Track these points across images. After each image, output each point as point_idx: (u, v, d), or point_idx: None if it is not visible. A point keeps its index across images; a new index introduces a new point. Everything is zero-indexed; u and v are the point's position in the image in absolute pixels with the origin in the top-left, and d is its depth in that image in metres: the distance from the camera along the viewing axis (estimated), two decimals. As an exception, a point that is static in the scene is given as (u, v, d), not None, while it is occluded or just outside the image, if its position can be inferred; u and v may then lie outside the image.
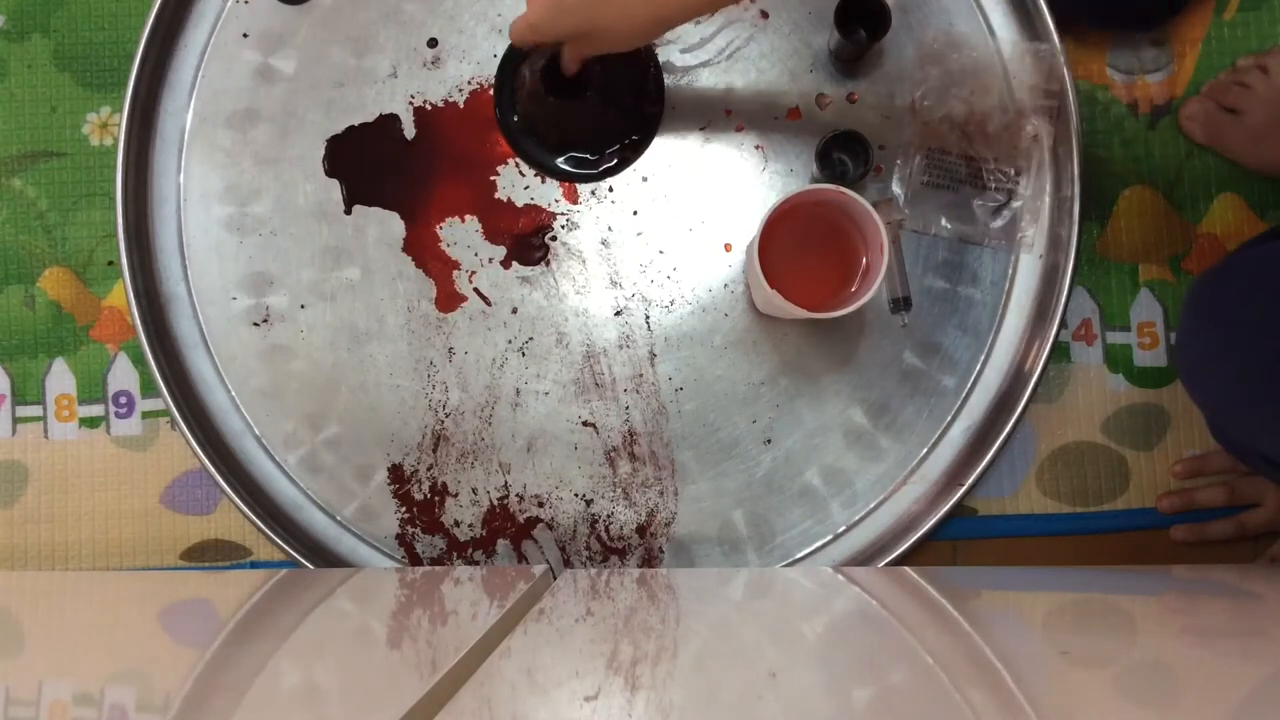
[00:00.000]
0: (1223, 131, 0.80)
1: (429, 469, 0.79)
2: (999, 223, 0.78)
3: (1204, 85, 0.82)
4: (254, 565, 0.82)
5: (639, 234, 0.79)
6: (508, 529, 0.79)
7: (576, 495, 0.79)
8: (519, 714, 0.45)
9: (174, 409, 0.78)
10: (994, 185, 0.78)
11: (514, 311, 0.79)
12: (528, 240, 0.80)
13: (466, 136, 0.80)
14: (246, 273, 0.80)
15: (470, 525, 0.79)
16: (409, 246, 0.80)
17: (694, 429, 0.78)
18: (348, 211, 0.80)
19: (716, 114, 0.80)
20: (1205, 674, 0.47)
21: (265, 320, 0.80)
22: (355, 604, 0.65)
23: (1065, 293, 0.76)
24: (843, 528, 0.78)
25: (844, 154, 0.78)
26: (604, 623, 0.57)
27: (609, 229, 0.79)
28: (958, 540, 0.80)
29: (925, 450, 0.78)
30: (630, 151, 0.79)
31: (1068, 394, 0.81)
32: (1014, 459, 0.81)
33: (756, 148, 0.79)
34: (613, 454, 0.79)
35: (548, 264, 0.79)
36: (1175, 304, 0.81)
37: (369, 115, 0.80)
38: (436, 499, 0.79)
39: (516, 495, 0.79)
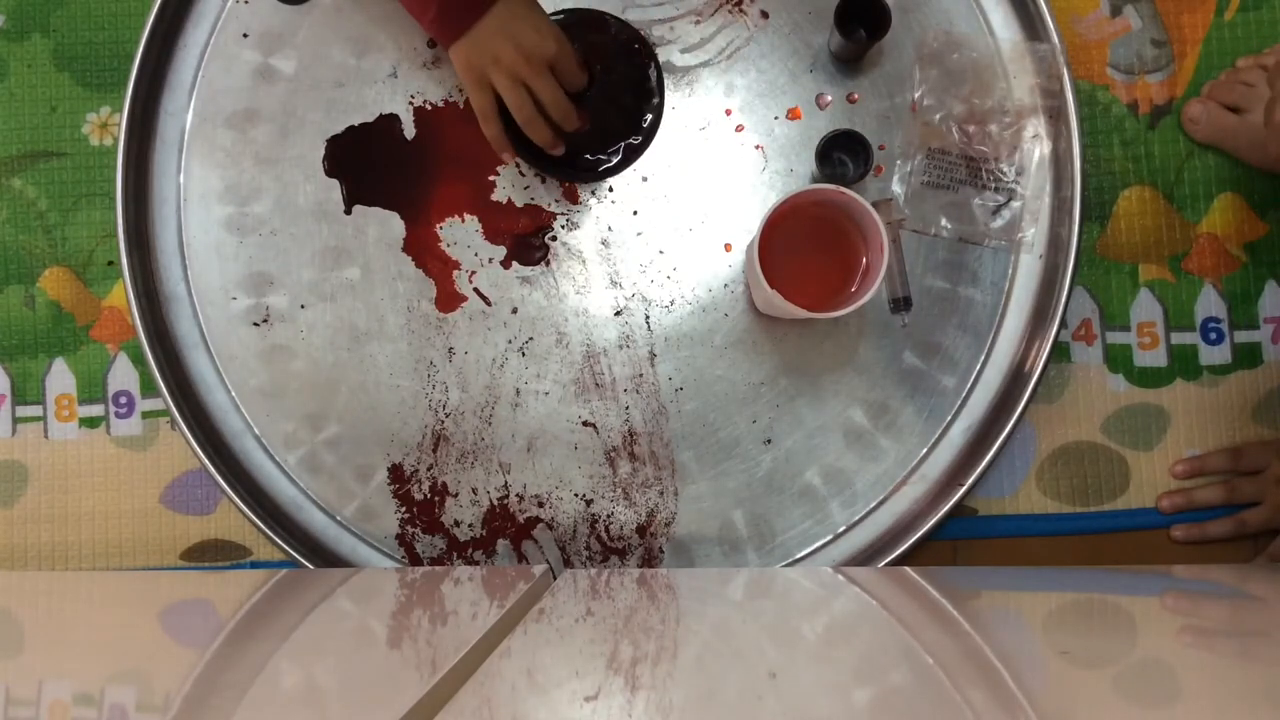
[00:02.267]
0: (1227, 130, 0.80)
1: (429, 469, 0.79)
2: (999, 223, 0.78)
3: (1204, 86, 0.82)
4: (254, 565, 0.82)
5: (639, 234, 0.79)
6: (508, 529, 0.79)
7: (576, 495, 0.79)
8: (519, 714, 0.45)
9: (174, 409, 0.78)
10: (994, 185, 0.78)
11: (514, 311, 0.79)
12: (528, 240, 0.80)
13: (466, 136, 0.80)
14: (246, 273, 0.80)
15: (470, 525, 0.79)
16: (409, 246, 0.80)
17: (694, 429, 0.78)
18: (348, 211, 0.80)
19: (716, 114, 0.80)
20: (1205, 674, 0.47)
21: (265, 320, 0.80)
22: (355, 604, 0.65)
23: (1065, 293, 0.76)
24: (843, 528, 0.78)
25: (844, 154, 0.78)
26: (604, 623, 0.57)
27: (609, 229, 0.79)
28: (958, 540, 0.80)
29: (925, 450, 0.78)
30: (630, 151, 0.79)
31: (1068, 394, 0.81)
32: (1014, 459, 0.81)
33: (756, 148, 0.79)
34: (613, 454, 0.79)
35: (548, 264, 0.79)
36: (1175, 304, 0.81)
37: (369, 115, 0.80)
38: (436, 499, 0.79)
39: (516, 495, 0.79)
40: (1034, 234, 0.78)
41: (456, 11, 0.67)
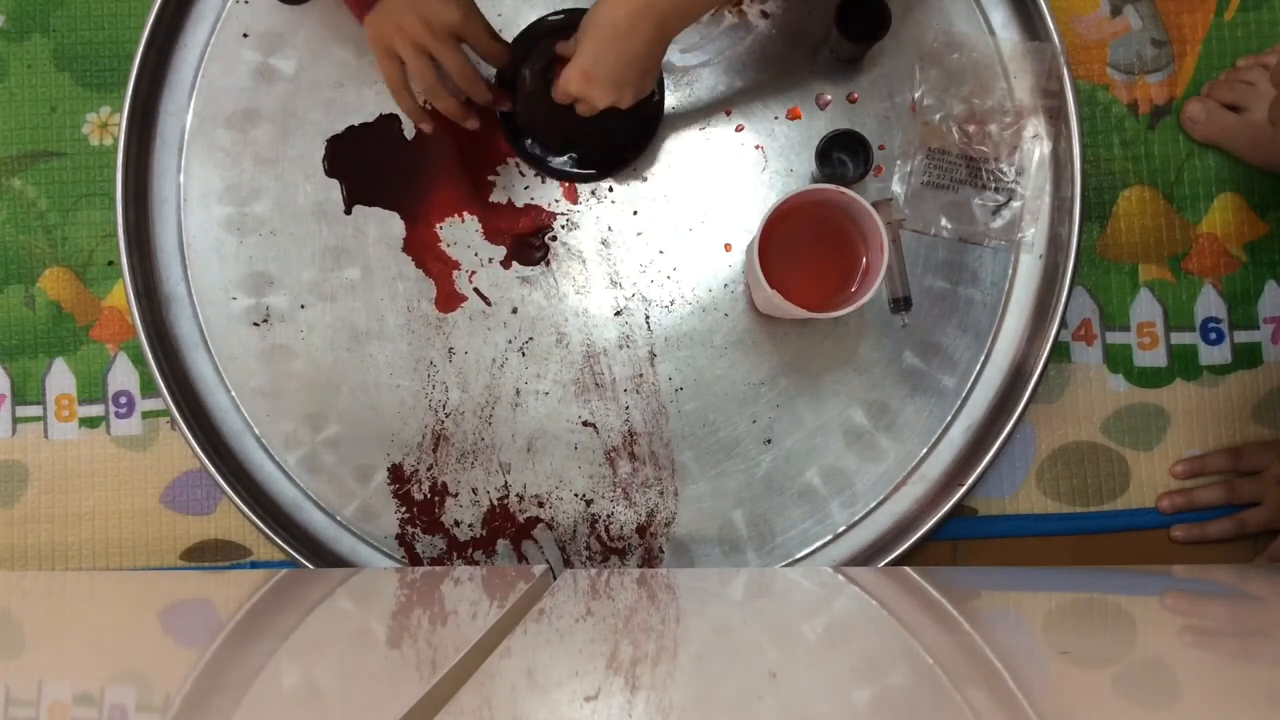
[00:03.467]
0: (1227, 129, 0.80)
1: (429, 469, 0.79)
2: (999, 223, 0.78)
3: (1204, 85, 0.82)
4: (254, 565, 0.82)
5: (639, 234, 0.79)
6: (508, 529, 0.79)
7: (576, 495, 0.79)
8: (519, 714, 0.45)
9: (174, 409, 0.78)
10: (994, 185, 0.78)
11: (514, 311, 0.79)
12: (528, 240, 0.80)
13: (466, 136, 0.80)
14: (246, 273, 0.80)
15: (470, 525, 0.79)
16: (409, 246, 0.80)
17: (694, 429, 0.78)
18: (348, 211, 0.80)
19: (716, 114, 0.80)
20: (1205, 674, 0.47)
21: (265, 320, 0.80)
22: (355, 604, 0.65)
23: (1065, 293, 0.76)
24: (843, 528, 0.78)
25: (844, 154, 0.78)
26: (604, 623, 0.57)
27: (609, 229, 0.79)
28: (958, 540, 0.80)
29: (925, 450, 0.78)
30: (630, 151, 0.79)
31: (1068, 394, 0.81)
32: (1014, 459, 0.81)
33: (756, 148, 0.79)
34: (613, 454, 0.79)
35: (548, 264, 0.79)
36: (1175, 304, 0.81)
37: (369, 115, 0.80)
38: (436, 499, 0.79)
39: (516, 495, 0.79)
40: (1034, 234, 0.78)
41: None
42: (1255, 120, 0.78)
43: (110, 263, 0.84)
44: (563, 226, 0.79)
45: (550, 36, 0.78)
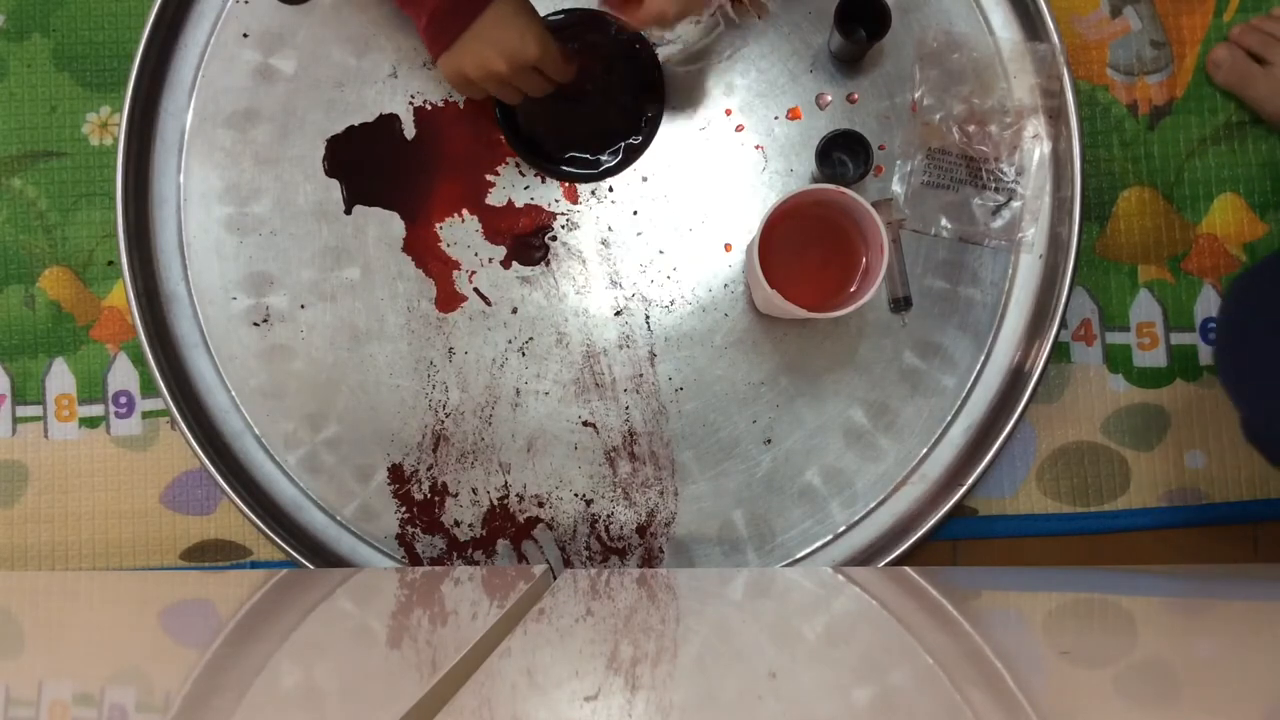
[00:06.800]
0: (1249, 77, 0.80)
1: (429, 469, 0.79)
2: (999, 223, 0.78)
3: (1234, 29, 0.81)
4: (254, 565, 0.82)
5: (639, 234, 0.79)
6: (508, 529, 0.79)
7: (576, 495, 0.79)
8: (519, 714, 0.45)
9: (174, 409, 0.78)
10: (994, 185, 0.78)
11: (514, 311, 0.79)
12: (528, 240, 0.80)
13: (466, 136, 0.80)
14: (246, 273, 0.80)
15: (470, 525, 0.79)
16: (409, 246, 0.80)
17: (694, 429, 0.78)
18: (348, 211, 0.80)
19: (716, 114, 0.80)
20: (1205, 674, 0.47)
21: (265, 320, 0.80)
22: (355, 604, 0.65)
23: (1065, 293, 0.76)
24: (843, 528, 0.78)
25: (844, 154, 0.78)
26: (604, 623, 0.57)
27: (609, 229, 0.79)
28: (958, 540, 0.80)
29: (925, 450, 0.78)
30: (630, 151, 0.79)
31: (1068, 394, 0.81)
32: (1014, 459, 0.81)
33: (756, 148, 0.79)
34: (613, 454, 0.79)
35: (548, 264, 0.79)
36: (1175, 304, 0.81)
37: (369, 115, 0.80)
38: (436, 499, 0.79)
39: (516, 495, 0.79)
40: (1034, 234, 0.78)
41: (443, 22, 0.69)
42: (1278, 75, 0.78)
43: (110, 263, 0.84)
44: (563, 226, 0.80)
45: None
